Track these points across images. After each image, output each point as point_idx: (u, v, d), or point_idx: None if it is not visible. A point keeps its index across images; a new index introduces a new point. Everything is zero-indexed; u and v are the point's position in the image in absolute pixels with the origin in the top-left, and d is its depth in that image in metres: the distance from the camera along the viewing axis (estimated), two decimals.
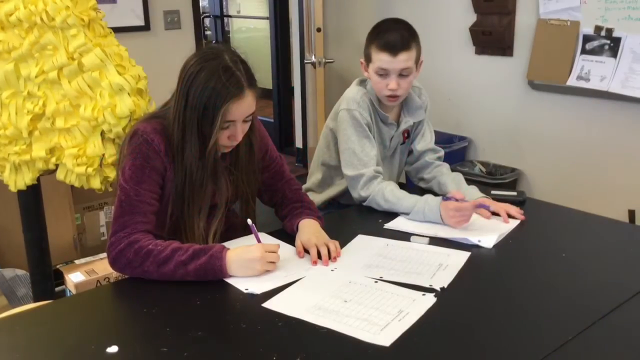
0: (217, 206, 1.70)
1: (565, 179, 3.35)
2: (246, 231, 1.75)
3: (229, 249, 1.52)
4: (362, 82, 2.14)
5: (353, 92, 2.09)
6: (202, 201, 1.65)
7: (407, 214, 1.89)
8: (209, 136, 1.58)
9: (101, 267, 2.67)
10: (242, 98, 1.56)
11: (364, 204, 1.99)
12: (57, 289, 2.54)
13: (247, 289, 1.44)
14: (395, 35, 1.96)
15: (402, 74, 1.98)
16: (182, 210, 1.65)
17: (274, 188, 1.86)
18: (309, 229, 1.68)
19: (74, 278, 2.57)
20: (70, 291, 2.59)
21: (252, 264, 1.50)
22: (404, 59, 1.95)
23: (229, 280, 1.49)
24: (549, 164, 3.42)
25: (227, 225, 1.80)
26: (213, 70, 1.54)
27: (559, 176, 3.38)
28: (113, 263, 1.55)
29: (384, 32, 1.98)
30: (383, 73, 1.98)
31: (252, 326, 1.29)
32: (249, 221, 1.60)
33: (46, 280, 2.38)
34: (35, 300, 2.40)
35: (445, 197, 1.88)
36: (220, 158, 1.70)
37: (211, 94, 1.53)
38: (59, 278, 2.61)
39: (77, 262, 2.73)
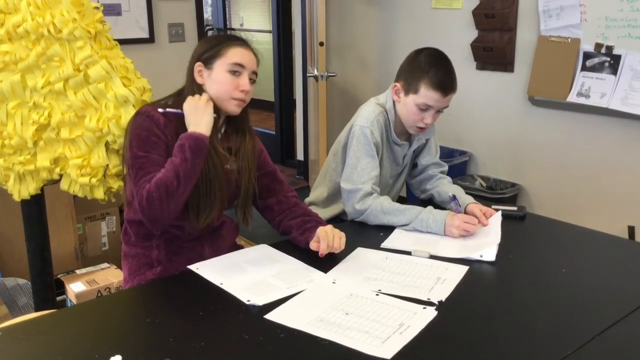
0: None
1: (565, 194, 3.36)
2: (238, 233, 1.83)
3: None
4: (380, 101, 2.13)
5: (369, 109, 2.09)
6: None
7: (406, 225, 1.91)
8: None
9: (102, 277, 2.68)
10: (247, 48, 1.78)
11: (359, 219, 1.99)
12: (57, 298, 2.55)
13: (249, 301, 1.45)
14: (448, 75, 1.97)
15: (440, 110, 2.02)
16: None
17: (269, 188, 1.90)
18: (329, 229, 1.74)
19: (75, 288, 2.59)
20: (71, 301, 2.60)
21: (198, 109, 1.69)
22: (450, 99, 2.00)
23: (231, 291, 1.49)
24: (549, 180, 3.43)
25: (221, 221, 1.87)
26: (218, 36, 1.82)
27: (559, 192, 3.39)
28: (143, 207, 1.62)
29: (436, 70, 1.96)
30: (425, 108, 1.99)
31: (254, 337, 1.30)
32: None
33: (47, 289, 2.38)
34: (36, 310, 2.40)
35: (452, 197, 1.96)
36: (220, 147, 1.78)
37: (217, 41, 1.78)
38: (60, 288, 2.62)
39: (78, 272, 2.75)
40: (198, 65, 1.77)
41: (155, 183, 1.61)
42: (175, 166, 1.62)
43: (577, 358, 1.24)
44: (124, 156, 1.76)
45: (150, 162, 1.66)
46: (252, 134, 1.86)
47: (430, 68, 1.96)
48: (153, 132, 1.69)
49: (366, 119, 2.05)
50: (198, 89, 1.77)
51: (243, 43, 1.79)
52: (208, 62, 1.76)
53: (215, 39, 1.80)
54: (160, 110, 1.71)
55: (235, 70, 1.74)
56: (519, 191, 3.54)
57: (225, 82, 1.74)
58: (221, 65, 1.74)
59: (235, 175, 1.81)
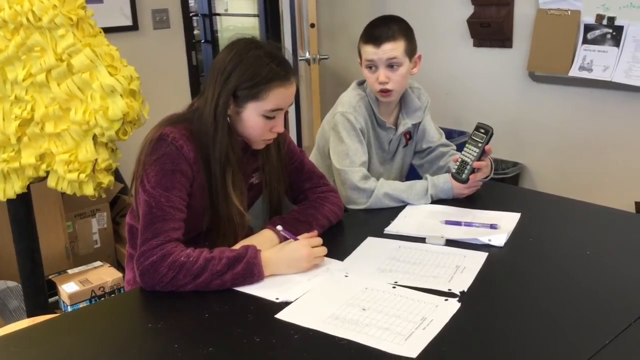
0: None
1: (568, 171, 3.31)
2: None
3: (260, 250, 1.46)
4: (361, 85, 2.11)
5: (350, 96, 2.07)
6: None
7: (417, 198, 1.92)
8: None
9: (95, 276, 2.60)
10: (290, 82, 1.54)
11: (365, 205, 1.91)
12: (50, 300, 2.48)
13: (277, 298, 1.36)
14: (380, 27, 1.98)
15: (391, 66, 1.96)
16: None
17: (299, 188, 1.81)
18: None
19: (68, 288, 2.50)
20: (64, 302, 2.52)
21: (299, 262, 1.47)
22: (389, 49, 1.95)
23: (254, 292, 1.39)
24: (551, 157, 3.37)
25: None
26: (258, 56, 1.51)
27: (562, 169, 3.34)
28: (142, 275, 1.41)
29: (370, 26, 2.01)
30: (371, 65, 1.98)
31: (267, 340, 1.21)
32: (279, 227, 1.55)
33: (39, 292, 2.34)
34: (29, 313, 2.34)
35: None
36: (239, 164, 1.61)
37: (258, 77, 1.49)
38: (52, 289, 2.54)
39: (70, 271, 2.67)
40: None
41: (170, 265, 1.39)
42: (205, 280, 1.39)
43: (615, 347, 1.15)
44: (136, 171, 1.53)
45: (171, 205, 1.46)
46: (278, 138, 1.67)
47: (367, 27, 2.03)
48: (180, 168, 1.48)
49: (348, 104, 2.03)
50: (223, 119, 1.53)
51: (287, 78, 1.52)
52: (240, 100, 1.52)
53: (257, 72, 1.49)
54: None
55: (271, 117, 1.54)
56: (521, 170, 3.48)
57: (257, 127, 1.54)
58: (256, 109, 1.51)
59: (260, 188, 1.73)
